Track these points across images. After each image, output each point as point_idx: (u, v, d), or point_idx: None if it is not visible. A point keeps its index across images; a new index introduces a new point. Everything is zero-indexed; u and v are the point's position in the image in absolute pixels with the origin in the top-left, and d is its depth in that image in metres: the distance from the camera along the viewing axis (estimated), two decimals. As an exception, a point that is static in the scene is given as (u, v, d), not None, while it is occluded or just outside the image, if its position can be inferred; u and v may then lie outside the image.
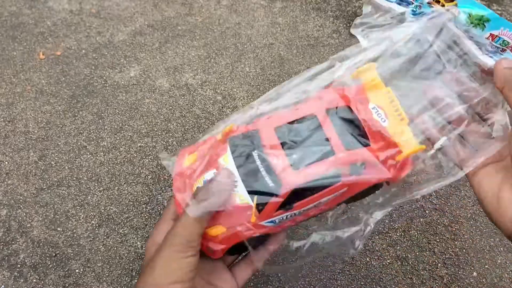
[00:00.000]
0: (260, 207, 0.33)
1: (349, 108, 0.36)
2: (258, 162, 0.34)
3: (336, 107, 0.36)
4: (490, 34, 0.35)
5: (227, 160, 0.35)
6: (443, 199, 0.69)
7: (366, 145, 0.35)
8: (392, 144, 0.35)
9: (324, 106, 0.36)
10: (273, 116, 0.36)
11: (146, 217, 0.65)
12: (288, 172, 0.33)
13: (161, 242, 0.31)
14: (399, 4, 0.39)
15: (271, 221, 0.34)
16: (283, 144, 0.34)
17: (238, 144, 0.36)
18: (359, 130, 0.35)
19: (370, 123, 0.35)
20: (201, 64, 0.84)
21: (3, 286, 0.59)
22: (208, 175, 0.35)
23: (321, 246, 0.37)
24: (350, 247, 0.36)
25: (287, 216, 0.35)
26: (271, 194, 0.33)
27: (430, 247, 0.65)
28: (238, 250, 0.37)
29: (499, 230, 0.32)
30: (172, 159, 0.39)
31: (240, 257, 0.41)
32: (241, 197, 0.34)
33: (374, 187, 0.37)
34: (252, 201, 0.33)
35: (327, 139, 0.34)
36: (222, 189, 0.33)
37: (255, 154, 0.35)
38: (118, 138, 0.73)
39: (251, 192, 0.34)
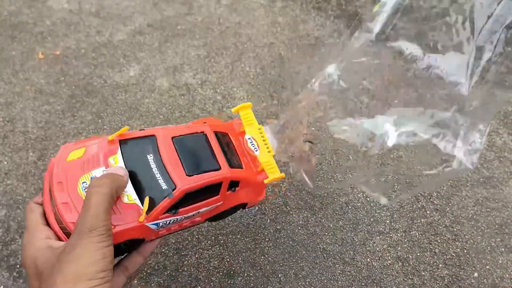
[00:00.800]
0: (150, 207, 0.36)
1: (228, 135, 0.45)
2: (153, 165, 0.37)
3: (220, 132, 0.44)
4: None
5: (117, 160, 0.38)
6: (444, 199, 0.69)
7: (240, 167, 0.42)
8: (261, 170, 0.43)
9: (211, 128, 0.43)
10: (168, 127, 0.41)
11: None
12: (182, 177, 0.37)
13: (75, 236, 0.31)
14: None
15: (156, 224, 0.37)
16: (178, 152, 0.39)
17: (131, 146, 0.39)
18: (235, 154, 0.44)
19: (246, 150, 0.45)
20: (201, 63, 0.83)
21: (2, 287, 0.59)
22: (97, 172, 0.37)
23: None
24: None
25: (169, 221, 0.38)
26: (164, 196, 0.36)
27: (431, 247, 0.65)
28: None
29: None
30: None
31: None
32: (130, 196, 0.36)
33: (240, 206, 0.46)
34: (142, 201, 0.36)
35: (214, 155, 0.40)
36: (119, 178, 0.35)
37: (150, 157, 0.38)
38: (117, 138, 0.73)
39: (141, 193, 0.36)
